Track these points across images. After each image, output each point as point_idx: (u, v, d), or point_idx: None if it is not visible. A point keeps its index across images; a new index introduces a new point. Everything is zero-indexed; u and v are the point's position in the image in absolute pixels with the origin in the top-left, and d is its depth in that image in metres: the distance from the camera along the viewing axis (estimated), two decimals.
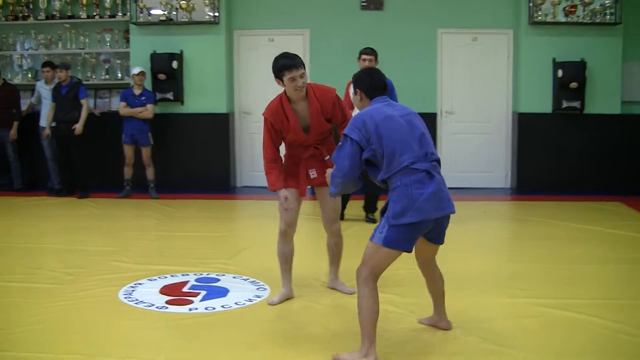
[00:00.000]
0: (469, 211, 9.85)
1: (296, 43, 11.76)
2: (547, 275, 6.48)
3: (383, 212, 4.40)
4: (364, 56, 8.79)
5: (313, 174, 5.59)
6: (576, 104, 11.07)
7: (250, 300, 5.69)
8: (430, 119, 11.53)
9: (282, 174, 5.53)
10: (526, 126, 11.30)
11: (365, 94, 4.65)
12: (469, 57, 11.68)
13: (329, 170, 4.75)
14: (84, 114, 11.00)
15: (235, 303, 5.60)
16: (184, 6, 11.26)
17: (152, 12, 11.53)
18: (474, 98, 11.74)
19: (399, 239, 4.30)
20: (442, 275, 4.88)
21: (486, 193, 11.34)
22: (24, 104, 11.82)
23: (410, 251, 4.40)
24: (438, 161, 4.47)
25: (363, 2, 11.60)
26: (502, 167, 11.84)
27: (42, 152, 11.52)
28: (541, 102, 11.24)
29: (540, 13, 11.04)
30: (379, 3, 11.57)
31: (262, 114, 5.51)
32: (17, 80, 12.22)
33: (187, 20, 11.38)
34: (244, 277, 6.33)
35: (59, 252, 7.42)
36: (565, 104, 11.07)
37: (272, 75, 5.31)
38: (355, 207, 9.22)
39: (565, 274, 6.54)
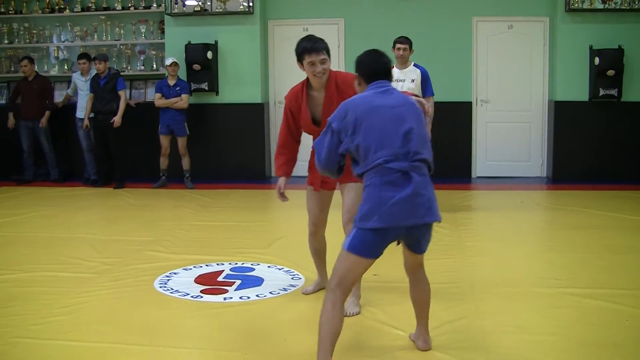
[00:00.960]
0: (505, 200, 9.82)
1: (331, 33, 11.73)
2: (585, 265, 6.41)
3: None
4: (398, 45, 8.69)
5: None
6: (613, 92, 10.92)
7: (284, 289, 5.70)
8: (465, 108, 11.51)
9: (291, 162, 5.27)
10: (562, 115, 11.18)
11: (364, 78, 4.24)
12: (505, 45, 11.59)
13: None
14: (122, 106, 11.09)
15: (270, 292, 5.61)
16: None
17: (187, 2, 11.57)
18: (509, 86, 11.65)
19: (364, 244, 3.90)
20: (429, 284, 4.42)
21: (522, 182, 11.26)
22: (60, 96, 11.95)
23: (373, 257, 3.98)
24: (424, 161, 3.99)
25: None
26: (538, 156, 11.75)
27: (78, 143, 11.63)
28: (578, 90, 11.11)
29: (577, 0, 10.90)
30: None
31: (285, 97, 5.29)
32: (54, 71, 12.35)
33: (221, 10, 11.40)
34: (279, 267, 6.34)
35: (96, 242, 7.48)
36: (602, 92, 10.94)
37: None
38: None
39: (602, 263, 6.47)
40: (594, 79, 10.96)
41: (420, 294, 4.39)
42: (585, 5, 10.94)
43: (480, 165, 11.82)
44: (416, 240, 4.09)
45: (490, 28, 11.58)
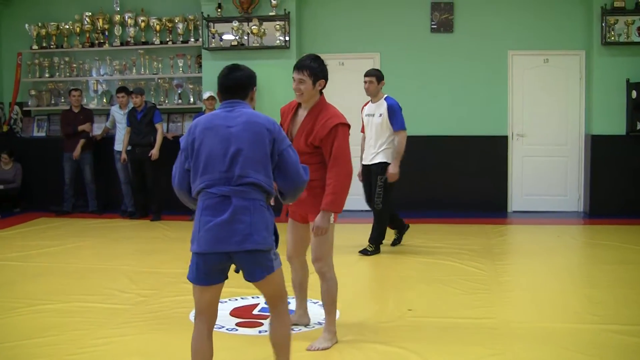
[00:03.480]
0: (542, 235, 9.75)
1: (367, 67, 11.71)
2: (623, 301, 6.33)
3: None
4: (364, 78, 8.44)
5: None
6: None
7: (319, 323, 5.68)
8: (501, 142, 11.48)
9: None
10: (599, 148, 11.10)
11: (219, 95, 4.09)
12: (541, 78, 11.55)
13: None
14: (159, 138, 11.22)
15: (305, 326, 5.61)
16: (255, 31, 11.38)
17: (224, 37, 11.69)
18: (545, 120, 11.60)
19: (192, 269, 3.89)
20: (289, 326, 4.19)
21: (559, 217, 11.16)
22: (99, 129, 12.10)
23: (204, 284, 3.89)
24: (253, 185, 3.81)
25: (433, 24, 11.58)
26: (574, 190, 11.65)
27: (116, 175, 11.75)
28: (615, 123, 11.03)
29: (613, 33, 10.87)
30: (449, 25, 11.55)
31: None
32: (93, 104, 12.51)
33: (258, 45, 11.50)
34: (314, 300, 6.33)
35: (132, 274, 7.54)
36: (639, 126, 10.86)
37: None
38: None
39: None
40: (630, 113, 10.89)
41: (275, 333, 4.15)
42: (622, 39, 10.90)
43: (517, 200, 11.75)
44: (244, 268, 3.89)
45: (526, 61, 11.56)
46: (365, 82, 8.39)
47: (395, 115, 8.26)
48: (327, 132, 4.90)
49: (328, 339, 5.17)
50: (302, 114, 5.13)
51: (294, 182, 4.05)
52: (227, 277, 3.96)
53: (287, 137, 4.20)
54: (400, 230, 8.88)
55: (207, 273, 3.85)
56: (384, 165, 8.27)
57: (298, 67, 4.99)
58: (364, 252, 8.34)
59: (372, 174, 8.38)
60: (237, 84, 4.04)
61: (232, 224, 3.73)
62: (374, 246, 8.40)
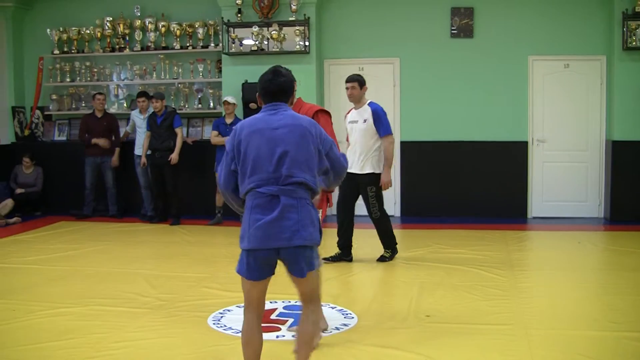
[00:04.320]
0: (561, 241, 9.71)
1: (386, 72, 11.81)
2: None
3: None
4: (346, 84, 8.15)
5: None
6: None
7: (337, 328, 5.70)
8: (521, 147, 11.44)
9: None
10: (620, 154, 11.04)
11: (262, 98, 4.29)
12: (561, 84, 11.51)
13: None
14: (178, 143, 11.26)
15: (322, 331, 5.61)
16: (275, 36, 11.41)
17: (244, 42, 11.72)
18: (566, 126, 11.55)
19: (242, 264, 4.10)
20: (310, 328, 4.33)
21: (579, 223, 11.10)
22: (120, 133, 12.15)
23: (255, 279, 4.10)
24: (300, 184, 4.03)
25: (453, 30, 11.57)
26: (595, 196, 11.59)
27: (136, 179, 11.81)
28: (636, 129, 10.97)
29: (634, 38, 10.80)
30: (469, 31, 11.53)
31: None
32: (113, 109, 12.58)
33: (278, 50, 11.52)
34: (332, 305, 6.34)
35: (151, 278, 7.57)
36: None
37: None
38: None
39: None
40: None
41: (303, 330, 4.35)
42: None
43: (536, 206, 11.70)
44: (290, 263, 4.08)
45: (547, 67, 11.52)
46: (347, 88, 8.12)
47: (380, 120, 8.05)
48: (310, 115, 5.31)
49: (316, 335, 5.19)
50: None
51: (340, 174, 4.42)
52: (274, 272, 4.18)
53: None
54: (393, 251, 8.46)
55: (257, 268, 4.06)
56: (372, 176, 8.08)
57: None
58: (382, 259, 8.29)
59: (360, 184, 8.16)
60: (281, 89, 4.24)
61: (281, 221, 3.95)
62: (390, 251, 8.33)
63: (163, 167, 11.29)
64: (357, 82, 8.09)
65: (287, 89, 4.28)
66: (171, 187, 11.36)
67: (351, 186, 8.11)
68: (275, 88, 4.23)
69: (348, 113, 8.43)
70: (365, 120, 8.09)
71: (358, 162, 8.10)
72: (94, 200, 12.02)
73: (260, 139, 4.04)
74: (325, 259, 8.17)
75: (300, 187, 4.03)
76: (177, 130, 11.28)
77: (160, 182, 11.43)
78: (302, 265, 4.06)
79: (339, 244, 8.38)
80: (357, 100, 8.20)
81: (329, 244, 8.38)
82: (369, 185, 8.11)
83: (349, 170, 8.16)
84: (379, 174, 8.11)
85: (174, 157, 11.19)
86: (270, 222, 3.95)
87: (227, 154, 4.15)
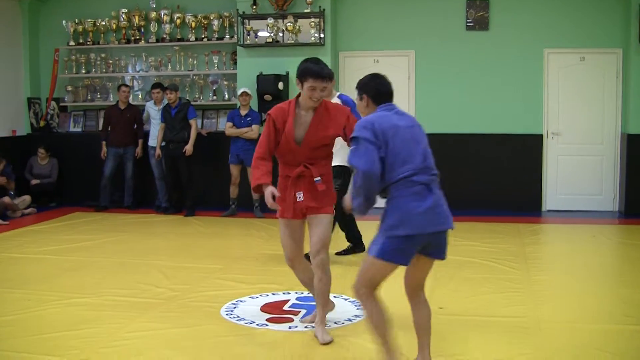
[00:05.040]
0: (576, 234, 9.69)
1: (401, 64, 11.78)
2: None
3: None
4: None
5: (300, 197, 5.22)
6: None
7: (349, 320, 5.71)
8: (536, 140, 11.41)
9: (270, 174, 5.15)
10: (636, 148, 10.98)
11: (372, 99, 4.50)
12: (577, 77, 11.46)
13: (346, 197, 4.53)
14: (193, 134, 11.29)
15: (335, 322, 5.62)
16: (290, 28, 11.40)
17: (259, 34, 11.73)
18: (581, 119, 11.51)
19: (395, 250, 4.18)
20: (430, 309, 4.56)
21: (594, 216, 11.06)
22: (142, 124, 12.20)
23: (406, 264, 4.27)
24: (437, 176, 4.36)
25: (468, 22, 11.54)
26: (610, 190, 11.54)
27: (151, 171, 11.84)
28: None
29: None
30: (485, 23, 11.49)
31: (268, 112, 5.29)
32: (129, 100, 12.61)
33: (293, 42, 11.51)
34: (345, 297, 6.35)
35: (165, 269, 7.60)
36: None
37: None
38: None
39: None
40: None
41: (423, 319, 4.53)
42: None
43: (551, 199, 11.67)
44: (437, 246, 4.31)
45: (562, 60, 11.47)
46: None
47: (352, 111, 7.90)
48: (346, 117, 5.29)
49: (326, 331, 5.27)
50: (306, 114, 5.24)
51: None
52: None
53: (292, 137, 5.12)
54: (355, 247, 8.40)
55: (409, 254, 4.23)
56: (339, 169, 7.72)
57: (322, 75, 5.13)
58: (341, 253, 8.29)
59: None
60: (391, 91, 4.56)
61: (437, 208, 4.23)
62: (351, 245, 8.31)
63: (177, 158, 11.32)
64: (331, 78, 7.63)
65: (393, 92, 4.59)
66: (185, 178, 11.38)
67: None
68: (389, 89, 4.55)
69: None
70: None
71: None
72: (110, 191, 12.07)
73: (404, 134, 4.28)
74: (337, 253, 8.20)
75: (437, 178, 4.34)
76: (192, 121, 11.31)
77: (174, 174, 11.47)
78: (445, 248, 4.35)
79: (347, 237, 8.38)
80: (328, 92, 7.92)
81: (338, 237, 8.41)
82: (334, 178, 7.88)
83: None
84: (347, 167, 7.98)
85: (189, 148, 11.22)
86: (430, 209, 4.18)
87: (370, 143, 4.19)
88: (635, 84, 10.97)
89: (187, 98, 11.95)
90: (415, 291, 4.49)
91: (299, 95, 5.26)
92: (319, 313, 5.34)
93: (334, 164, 7.92)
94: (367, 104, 4.51)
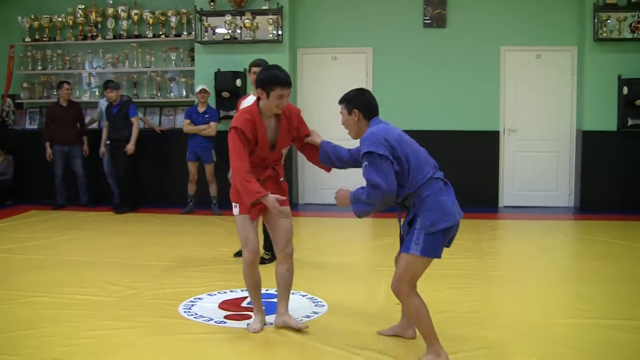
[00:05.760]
0: (532, 230, 9.80)
1: (359, 61, 11.83)
2: (612, 296, 6.36)
3: (410, 224, 4.53)
4: (254, 69, 7.37)
5: None
6: None
7: (307, 316, 5.72)
8: (493, 137, 11.52)
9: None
10: (590, 144, 11.15)
11: (364, 114, 4.75)
12: (533, 74, 11.61)
13: (342, 191, 4.68)
14: (134, 133, 11.26)
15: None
16: (247, 25, 11.40)
17: (217, 31, 11.71)
18: (537, 116, 11.65)
19: (436, 246, 4.48)
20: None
21: (549, 212, 11.21)
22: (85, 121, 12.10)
23: (440, 257, 4.55)
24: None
25: (426, 19, 11.61)
26: (565, 186, 11.71)
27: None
28: (606, 120, 11.09)
29: (605, 29, 10.91)
30: (442, 21, 11.58)
31: (232, 126, 5.10)
32: (86, 97, 12.54)
33: (250, 39, 11.51)
34: (303, 293, 6.36)
35: (122, 266, 7.55)
36: (630, 122, 10.92)
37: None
38: None
39: (630, 294, 6.43)
40: (622, 109, 10.94)
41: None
42: (614, 35, 10.95)
43: (508, 195, 11.79)
44: (454, 235, 4.69)
45: (519, 57, 11.60)
46: (255, 72, 7.21)
47: None
48: (298, 118, 5.41)
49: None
50: (268, 120, 5.22)
51: None
52: None
53: (264, 146, 5.16)
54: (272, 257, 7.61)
55: (443, 246, 4.58)
56: None
57: (289, 83, 5.14)
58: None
59: None
60: (377, 105, 4.85)
61: (455, 199, 4.67)
62: (269, 253, 7.60)
63: (119, 156, 11.34)
64: (262, 66, 6.87)
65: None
66: (123, 175, 11.40)
67: None
68: (376, 104, 4.83)
69: (243, 99, 7.99)
70: None
71: None
72: (65, 189, 11.96)
73: (407, 140, 4.63)
74: (236, 254, 7.92)
75: None
76: (133, 119, 11.26)
77: (119, 171, 11.49)
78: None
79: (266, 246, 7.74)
80: None
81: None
82: None
83: None
84: None
85: (130, 147, 11.21)
86: (454, 200, 4.62)
87: (384, 158, 4.45)
88: (590, 82, 11.13)
89: (128, 95, 11.85)
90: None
91: (258, 100, 5.20)
92: (284, 304, 5.44)
93: None
94: (358, 119, 4.73)
